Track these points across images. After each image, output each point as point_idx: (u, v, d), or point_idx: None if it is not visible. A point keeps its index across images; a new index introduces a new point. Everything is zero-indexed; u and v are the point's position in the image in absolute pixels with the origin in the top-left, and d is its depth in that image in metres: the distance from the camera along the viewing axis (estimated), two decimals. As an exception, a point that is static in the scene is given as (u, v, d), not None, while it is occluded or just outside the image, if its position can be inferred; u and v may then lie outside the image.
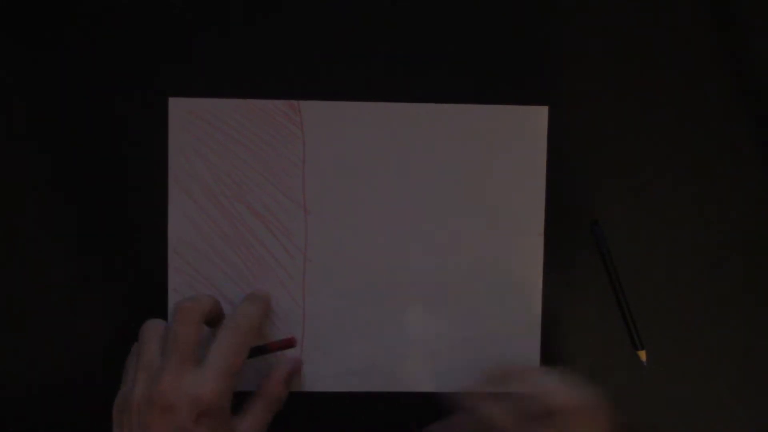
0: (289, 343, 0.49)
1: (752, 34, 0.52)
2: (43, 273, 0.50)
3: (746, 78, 0.52)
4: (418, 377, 0.51)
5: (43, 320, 0.50)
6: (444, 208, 0.51)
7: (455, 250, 0.51)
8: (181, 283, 0.51)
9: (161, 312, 0.50)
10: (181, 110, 0.50)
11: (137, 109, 0.50)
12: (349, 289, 0.51)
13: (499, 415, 0.45)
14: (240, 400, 0.47)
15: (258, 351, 0.48)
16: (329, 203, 0.51)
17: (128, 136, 0.50)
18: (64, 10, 0.50)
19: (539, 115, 0.52)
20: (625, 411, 0.52)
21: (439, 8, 0.51)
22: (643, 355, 0.51)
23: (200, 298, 0.46)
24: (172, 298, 0.50)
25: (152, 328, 0.46)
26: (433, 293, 0.52)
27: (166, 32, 0.50)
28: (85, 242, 0.50)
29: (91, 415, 0.50)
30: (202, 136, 0.51)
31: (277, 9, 0.51)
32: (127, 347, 0.50)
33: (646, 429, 0.52)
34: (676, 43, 0.52)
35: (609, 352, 0.52)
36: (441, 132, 0.51)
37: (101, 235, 0.50)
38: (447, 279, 0.52)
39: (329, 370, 0.51)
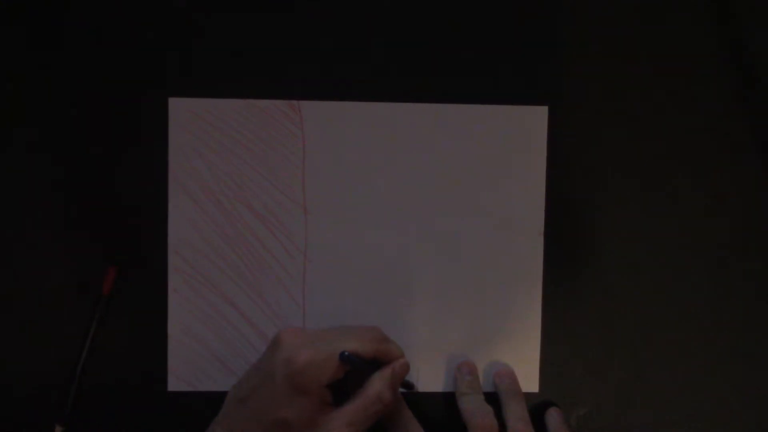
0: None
1: (752, 33, 0.52)
2: (42, 273, 0.50)
3: (746, 78, 0.52)
4: (417, 377, 0.51)
5: (43, 320, 0.50)
6: (444, 208, 0.51)
7: (455, 250, 0.51)
8: (181, 283, 0.51)
9: (160, 312, 0.50)
10: (181, 110, 0.50)
11: (137, 109, 0.50)
12: (348, 289, 0.51)
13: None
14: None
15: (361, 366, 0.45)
16: (329, 203, 0.51)
17: (128, 136, 0.50)
18: (64, 10, 0.50)
19: (539, 115, 0.52)
20: (625, 411, 0.52)
21: (439, 8, 0.51)
22: None
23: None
24: (172, 298, 0.50)
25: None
26: (433, 293, 0.51)
27: (166, 32, 0.50)
28: (85, 242, 0.50)
29: (98, 414, 0.50)
30: (202, 136, 0.51)
31: (277, 9, 0.51)
32: (127, 347, 0.50)
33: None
34: (676, 42, 0.52)
35: (609, 352, 0.52)
36: (441, 132, 0.51)
37: (101, 235, 0.50)
38: (447, 279, 0.52)
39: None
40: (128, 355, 0.50)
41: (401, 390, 0.49)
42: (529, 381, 0.52)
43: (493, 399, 0.50)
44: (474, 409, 0.49)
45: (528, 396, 0.51)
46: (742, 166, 0.53)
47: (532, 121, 0.52)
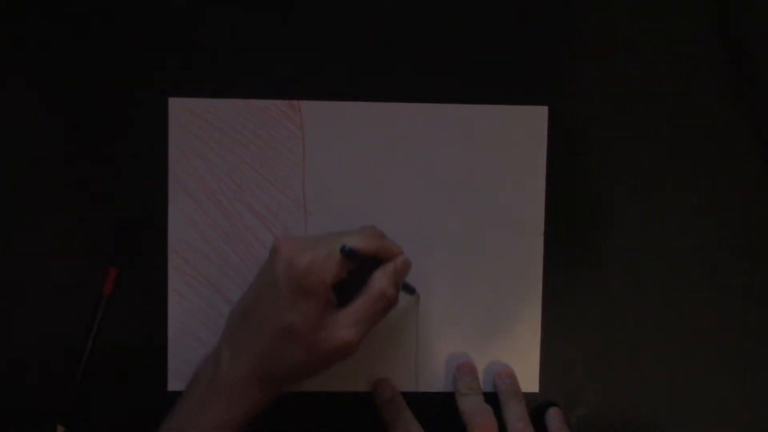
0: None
1: (752, 33, 0.52)
2: (42, 273, 0.50)
3: (746, 78, 0.52)
4: (418, 377, 0.52)
5: (44, 320, 0.50)
6: (444, 208, 0.51)
7: (455, 250, 0.51)
8: (181, 282, 0.51)
9: (160, 312, 0.50)
10: (181, 110, 0.50)
11: (137, 109, 0.50)
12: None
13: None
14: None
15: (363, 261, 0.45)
16: (329, 203, 0.51)
17: (128, 136, 0.50)
18: (65, 10, 0.50)
19: (539, 115, 0.52)
20: (625, 411, 0.52)
21: (439, 8, 0.51)
22: None
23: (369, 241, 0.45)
24: (172, 298, 0.50)
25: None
26: (432, 293, 0.51)
27: (166, 32, 0.50)
28: (85, 242, 0.50)
29: (99, 413, 0.50)
30: (202, 136, 0.51)
31: (277, 9, 0.51)
32: (127, 347, 0.50)
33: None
34: (676, 43, 0.52)
35: (609, 353, 0.52)
36: (441, 132, 0.51)
37: (101, 235, 0.50)
38: (447, 279, 0.52)
39: (329, 370, 0.51)
40: (128, 356, 0.50)
41: (402, 293, 0.48)
42: (529, 381, 0.52)
43: (493, 399, 0.50)
44: (474, 409, 0.49)
45: (528, 396, 0.51)
46: (741, 166, 0.53)
47: (532, 121, 0.52)
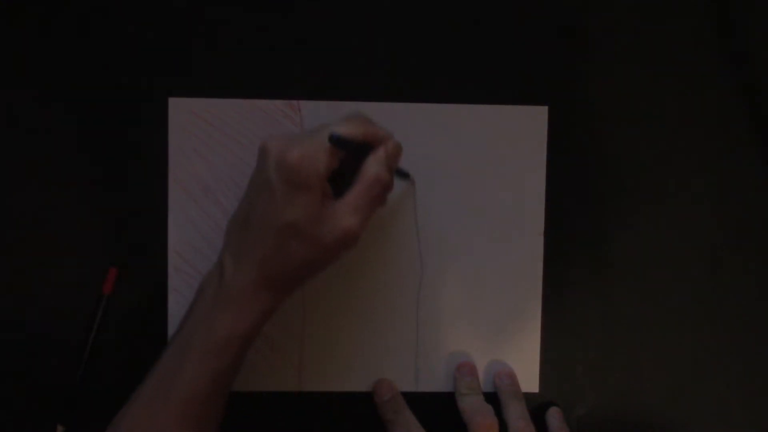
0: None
1: (752, 33, 0.52)
2: (42, 272, 0.50)
3: (746, 78, 0.52)
4: (418, 377, 0.52)
5: (44, 320, 0.50)
6: (444, 208, 0.51)
7: (455, 250, 0.51)
8: (181, 283, 0.51)
9: (160, 312, 0.50)
10: (181, 110, 0.50)
11: (137, 109, 0.50)
12: (348, 288, 0.51)
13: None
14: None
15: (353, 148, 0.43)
16: (329, 203, 0.51)
17: (128, 136, 0.50)
18: (65, 10, 0.50)
19: (539, 115, 0.52)
20: (625, 411, 0.52)
21: (439, 8, 0.51)
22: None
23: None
24: (172, 298, 0.50)
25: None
26: (433, 293, 0.51)
27: (166, 32, 0.50)
28: (85, 241, 0.50)
29: (99, 413, 0.50)
30: (202, 136, 0.51)
31: (277, 9, 0.51)
32: (127, 347, 0.50)
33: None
34: (676, 43, 0.52)
35: (609, 352, 0.52)
36: (441, 132, 0.51)
37: (101, 235, 0.50)
38: (447, 279, 0.52)
39: (329, 370, 0.51)
40: (128, 355, 0.50)
41: (396, 178, 0.47)
42: (529, 381, 0.52)
43: (493, 399, 0.50)
44: (474, 408, 0.49)
45: (528, 396, 0.51)
46: (741, 166, 0.53)
47: (532, 121, 0.52)
